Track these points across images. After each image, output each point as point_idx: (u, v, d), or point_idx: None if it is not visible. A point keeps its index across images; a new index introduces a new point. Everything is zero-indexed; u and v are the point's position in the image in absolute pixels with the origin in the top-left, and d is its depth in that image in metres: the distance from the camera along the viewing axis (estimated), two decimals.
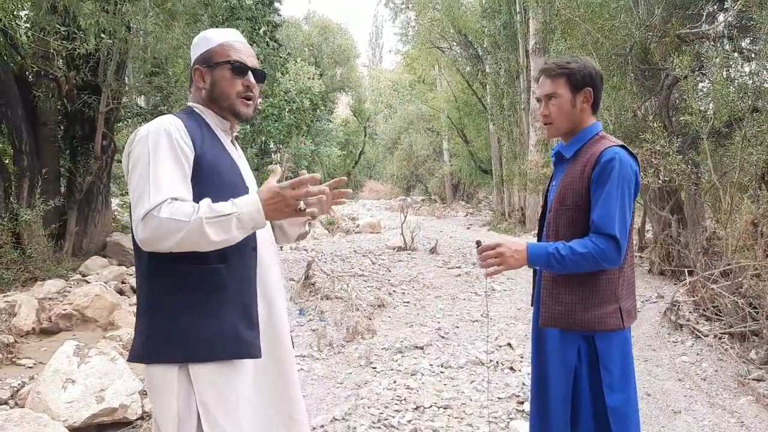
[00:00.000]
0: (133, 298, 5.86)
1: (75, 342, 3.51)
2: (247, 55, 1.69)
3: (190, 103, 1.73)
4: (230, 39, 1.70)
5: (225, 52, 1.66)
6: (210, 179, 1.57)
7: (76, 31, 6.04)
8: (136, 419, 3.26)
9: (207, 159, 1.58)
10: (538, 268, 2.01)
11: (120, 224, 9.55)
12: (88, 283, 5.83)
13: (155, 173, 1.47)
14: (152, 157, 1.49)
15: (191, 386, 1.52)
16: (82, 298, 5.08)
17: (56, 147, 7.37)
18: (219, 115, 1.71)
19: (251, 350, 1.60)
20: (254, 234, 1.63)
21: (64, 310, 4.96)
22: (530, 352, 2.17)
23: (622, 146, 1.91)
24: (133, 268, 6.83)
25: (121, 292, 5.93)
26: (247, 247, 1.62)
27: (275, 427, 1.69)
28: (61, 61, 7.01)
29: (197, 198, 1.50)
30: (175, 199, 1.45)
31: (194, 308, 1.55)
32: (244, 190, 1.65)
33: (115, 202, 10.51)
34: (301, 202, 1.49)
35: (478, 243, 1.96)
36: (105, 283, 5.77)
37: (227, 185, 1.60)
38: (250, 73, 1.68)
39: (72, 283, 6.03)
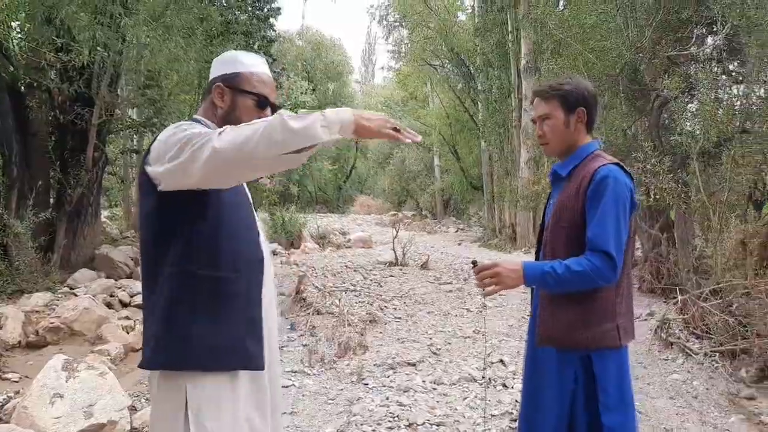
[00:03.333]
0: (122, 312, 5.78)
1: (63, 356, 3.45)
2: (271, 90, 1.72)
3: (198, 116, 1.72)
4: (261, 70, 1.72)
5: (254, 82, 1.68)
6: (219, 195, 1.56)
7: (71, 43, 6.02)
8: None
9: None
10: (535, 286, 2.01)
11: (109, 237, 9.45)
12: (76, 296, 5.75)
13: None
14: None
15: (186, 393, 1.52)
16: (70, 311, 5.00)
17: (47, 158, 7.29)
18: None
19: (257, 362, 1.61)
20: (261, 246, 1.68)
21: (52, 323, 4.88)
22: (523, 370, 2.16)
23: (616, 164, 1.93)
24: (122, 282, 6.79)
25: (109, 306, 5.85)
26: (255, 258, 1.65)
27: None
28: (54, 72, 6.97)
29: (212, 212, 1.55)
30: None
31: (205, 316, 1.55)
32: (249, 206, 1.71)
33: (104, 214, 10.41)
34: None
35: (475, 263, 1.94)
36: (93, 296, 5.69)
37: (233, 203, 1.63)
38: (269, 108, 1.71)
39: (59, 296, 5.94)
